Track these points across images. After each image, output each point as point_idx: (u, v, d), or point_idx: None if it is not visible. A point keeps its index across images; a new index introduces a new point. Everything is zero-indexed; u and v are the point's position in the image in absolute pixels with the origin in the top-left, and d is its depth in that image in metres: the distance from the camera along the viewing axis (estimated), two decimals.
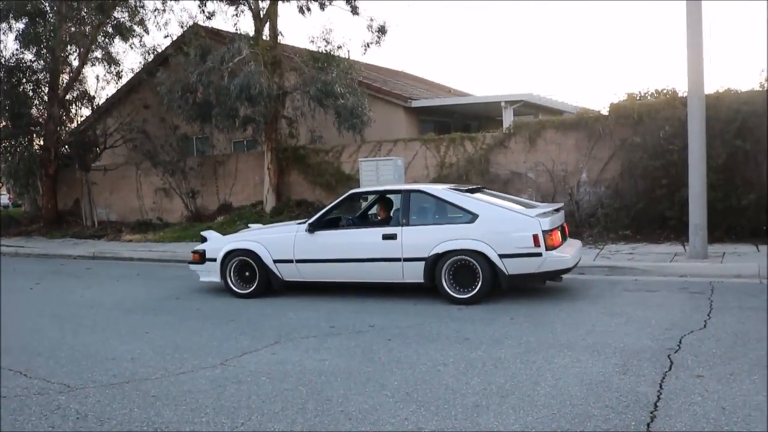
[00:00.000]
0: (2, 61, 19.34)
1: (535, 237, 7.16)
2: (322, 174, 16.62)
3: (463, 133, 15.58)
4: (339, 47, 16.28)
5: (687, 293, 7.50)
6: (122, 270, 12.23)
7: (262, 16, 16.53)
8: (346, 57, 16.48)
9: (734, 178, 10.62)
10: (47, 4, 18.90)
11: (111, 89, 21.81)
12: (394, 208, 8.66)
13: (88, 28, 19.11)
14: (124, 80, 20.70)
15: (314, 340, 6.14)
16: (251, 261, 8.53)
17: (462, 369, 5.01)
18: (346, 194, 8.75)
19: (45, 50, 19.26)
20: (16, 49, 19.34)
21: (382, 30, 16.89)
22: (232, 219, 17.05)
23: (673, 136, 11.01)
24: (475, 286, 7.40)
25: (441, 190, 8.06)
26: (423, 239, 7.64)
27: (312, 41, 16.40)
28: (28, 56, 19.57)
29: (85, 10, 18.77)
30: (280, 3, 16.78)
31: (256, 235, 8.78)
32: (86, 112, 20.80)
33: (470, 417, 4.04)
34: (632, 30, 62.13)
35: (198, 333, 6.67)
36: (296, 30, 40.91)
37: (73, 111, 20.73)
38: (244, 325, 6.97)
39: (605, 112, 13.28)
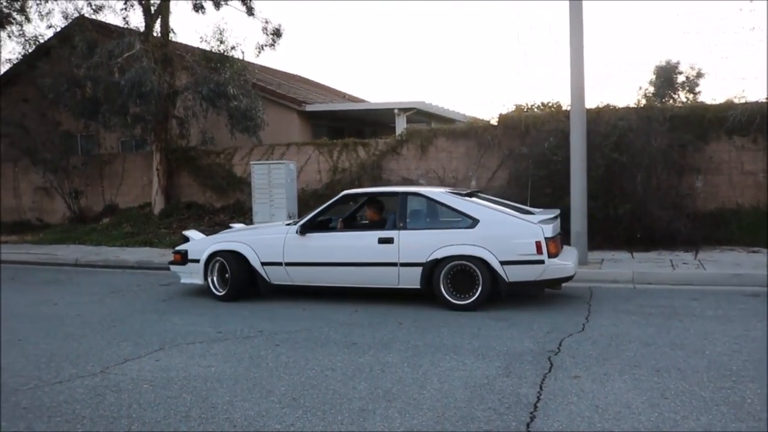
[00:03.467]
0: None
1: (538, 244, 7.01)
2: (213, 176, 16.30)
3: (357, 138, 15.70)
4: (233, 48, 16.03)
5: (568, 297, 7.82)
6: None
7: (153, 12, 16.02)
8: (241, 58, 16.22)
9: (612, 189, 11.14)
10: None
11: None
12: (388, 211, 8.27)
13: None
14: (0, 71, 19.48)
15: (200, 346, 5.99)
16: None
17: (349, 374, 5.02)
18: (339, 195, 8.37)
19: None
20: None
21: (277, 33, 16.76)
22: (119, 221, 16.45)
23: (557, 148, 11.43)
24: (474, 293, 7.21)
25: (439, 193, 7.80)
26: (421, 244, 7.39)
27: (205, 41, 16.09)
28: None
29: None
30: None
31: (242, 236, 8.35)
32: None
33: (356, 421, 4.06)
34: (525, 43, 64.80)
35: (77, 340, 6.36)
36: (190, 29, 39.94)
37: None
38: (127, 331, 6.71)
39: (494, 122, 13.73)
